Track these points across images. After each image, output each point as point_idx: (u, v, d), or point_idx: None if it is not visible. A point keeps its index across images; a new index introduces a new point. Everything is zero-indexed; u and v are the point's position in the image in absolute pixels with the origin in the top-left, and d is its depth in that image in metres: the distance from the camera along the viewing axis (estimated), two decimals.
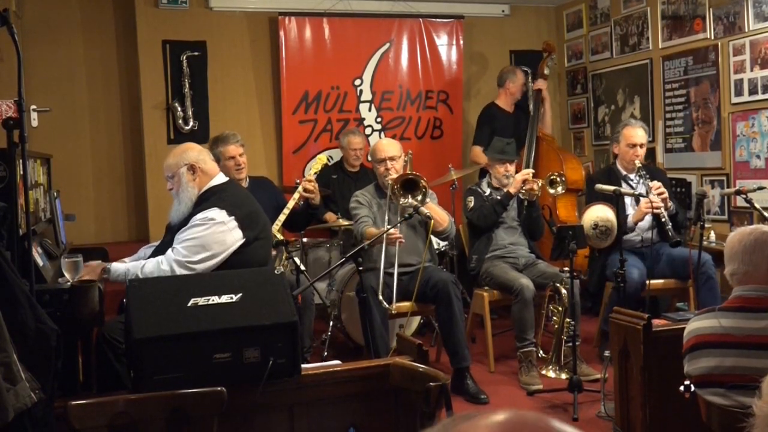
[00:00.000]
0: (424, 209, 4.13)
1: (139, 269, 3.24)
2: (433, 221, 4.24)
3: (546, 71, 6.26)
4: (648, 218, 4.64)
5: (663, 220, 4.44)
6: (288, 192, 5.09)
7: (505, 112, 6.09)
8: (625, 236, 4.53)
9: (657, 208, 4.43)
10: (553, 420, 0.80)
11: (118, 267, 3.31)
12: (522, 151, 5.90)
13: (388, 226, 4.15)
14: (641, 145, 4.80)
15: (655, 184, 4.56)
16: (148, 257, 3.45)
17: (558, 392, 4.06)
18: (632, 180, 4.81)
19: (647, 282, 4.51)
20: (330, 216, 5.40)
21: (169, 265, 3.20)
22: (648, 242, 4.61)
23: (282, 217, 4.39)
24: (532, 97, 6.29)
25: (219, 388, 2.25)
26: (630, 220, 4.55)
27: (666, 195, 4.51)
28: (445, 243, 5.04)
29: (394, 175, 4.37)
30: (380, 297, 4.08)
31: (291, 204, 4.44)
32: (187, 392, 2.26)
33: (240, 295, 2.55)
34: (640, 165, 4.75)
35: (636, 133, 4.81)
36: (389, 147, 4.53)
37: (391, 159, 4.44)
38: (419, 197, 4.18)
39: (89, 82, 5.94)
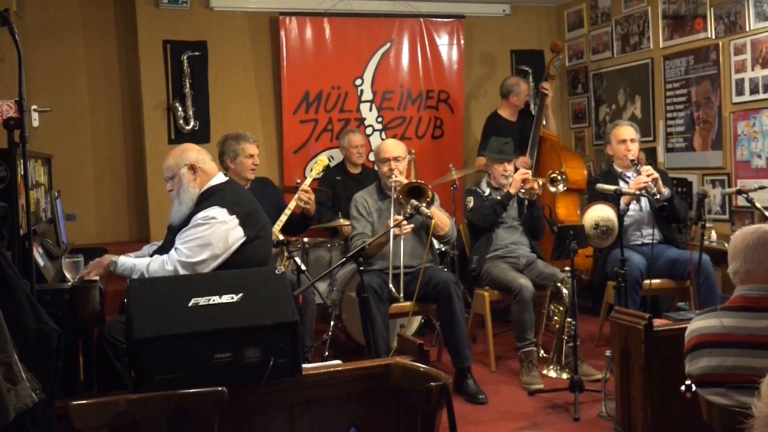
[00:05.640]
0: (424, 209, 4.13)
1: (145, 267, 3.25)
2: (434, 221, 4.23)
3: (553, 71, 6.27)
4: (647, 211, 4.70)
5: (657, 197, 4.52)
6: (288, 192, 5.09)
7: (509, 122, 6.06)
8: (625, 234, 4.58)
9: (644, 183, 4.51)
10: None
11: (126, 261, 3.33)
12: (525, 152, 5.90)
13: (391, 226, 4.14)
14: (632, 140, 4.88)
15: (646, 168, 4.64)
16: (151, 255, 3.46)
17: (559, 392, 4.05)
18: (629, 178, 4.83)
19: (649, 282, 4.53)
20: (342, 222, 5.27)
21: (173, 265, 3.20)
22: (648, 238, 4.70)
23: (283, 218, 4.39)
24: (537, 97, 6.28)
25: (220, 388, 2.25)
26: (622, 202, 4.59)
27: (656, 176, 4.57)
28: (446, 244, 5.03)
29: (398, 175, 4.37)
30: (390, 286, 4.21)
31: (292, 205, 4.43)
32: (187, 392, 2.25)
33: (241, 295, 2.55)
34: (633, 159, 4.79)
35: (624, 130, 4.91)
36: (394, 147, 4.52)
37: (396, 159, 4.43)
38: (424, 205, 4.16)
39: (90, 82, 5.94)
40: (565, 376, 4.29)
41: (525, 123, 6.12)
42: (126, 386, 2.90)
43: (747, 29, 5.14)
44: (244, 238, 3.32)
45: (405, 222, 4.14)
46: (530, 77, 6.74)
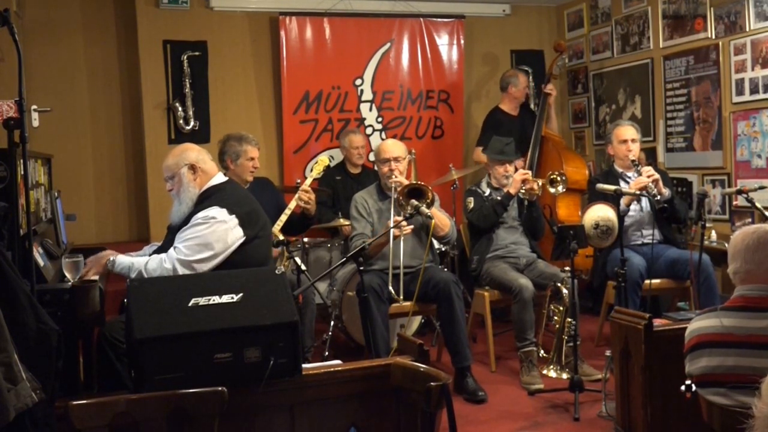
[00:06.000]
0: (424, 209, 4.13)
1: (143, 265, 3.24)
2: (434, 221, 4.23)
3: (556, 71, 6.27)
4: (648, 211, 4.70)
5: (657, 198, 4.53)
6: (288, 192, 5.09)
7: (510, 116, 6.08)
8: (625, 234, 4.58)
9: (645, 183, 4.52)
10: None
11: (123, 260, 3.33)
12: (527, 151, 5.90)
13: (391, 226, 4.15)
14: (633, 140, 4.89)
15: (647, 168, 4.66)
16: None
17: (559, 392, 4.05)
18: (630, 178, 4.83)
19: (649, 282, 4.54)
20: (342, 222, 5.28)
21: (171, 263, 3.20)
22: (648, 238, 4.70)
23: (283, 218, 4.39)
24: (540, 97, 6.28)
25: (220, 388, 2.25)
26: (622, 202, 4.59)
27: (656, 177, 4.57)
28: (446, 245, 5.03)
29: (398, 176, 4.36)
30: (390, 288, 4.21)
31: (292, 205, 4.44)
32: (187, 392, 2.25)
33: (241, 295, 2.55)
34: (634, 159, 4.80)
35: (626, 131, 4.92)
36: (394, 147, 4.52)
37: (396, 159, 4.42)
38: (424, 205, 4.16)
39: (90, 82, 5.94)
40: (565, 376, 4.29)
41: (526, 118, 6.12)
42: (126, 386, 2.90)
43: (747, 29, 5.14)
44: (244, 238, 3.33)
45: (405, 222, 4.14)
46: (530, 77, 6.73)
